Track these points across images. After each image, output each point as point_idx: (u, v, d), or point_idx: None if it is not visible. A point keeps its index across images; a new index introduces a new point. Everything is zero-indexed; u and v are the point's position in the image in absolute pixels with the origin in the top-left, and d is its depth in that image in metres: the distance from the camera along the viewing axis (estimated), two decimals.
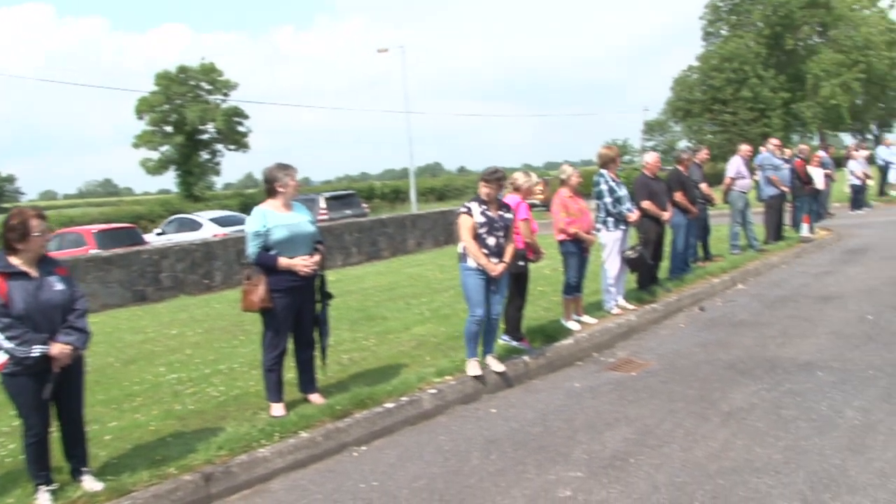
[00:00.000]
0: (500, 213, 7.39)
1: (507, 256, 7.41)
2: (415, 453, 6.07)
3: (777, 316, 9.91)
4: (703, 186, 13.22)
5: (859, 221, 20.66)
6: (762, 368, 7.59)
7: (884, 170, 26.32)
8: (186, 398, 7.33)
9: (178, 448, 5.87)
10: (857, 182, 23.25)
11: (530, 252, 8.24)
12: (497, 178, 7.31)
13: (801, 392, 6.77)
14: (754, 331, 9.20)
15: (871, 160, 26.42)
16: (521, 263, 8.05)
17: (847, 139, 61.61)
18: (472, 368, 7.42)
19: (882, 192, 26.11)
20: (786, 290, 11.67)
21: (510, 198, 8.09)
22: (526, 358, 8.07)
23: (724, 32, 63.81)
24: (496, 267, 7.25)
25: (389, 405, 6.71)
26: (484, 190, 7.30)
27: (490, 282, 7.33)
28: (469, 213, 7.27)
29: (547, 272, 12.40)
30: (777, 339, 8.71)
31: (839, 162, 28.86)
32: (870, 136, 65.18)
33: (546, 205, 11.51)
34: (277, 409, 6.57)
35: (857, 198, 23.47)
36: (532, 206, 8.68)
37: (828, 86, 57.11)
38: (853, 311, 9.85)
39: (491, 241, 7.27)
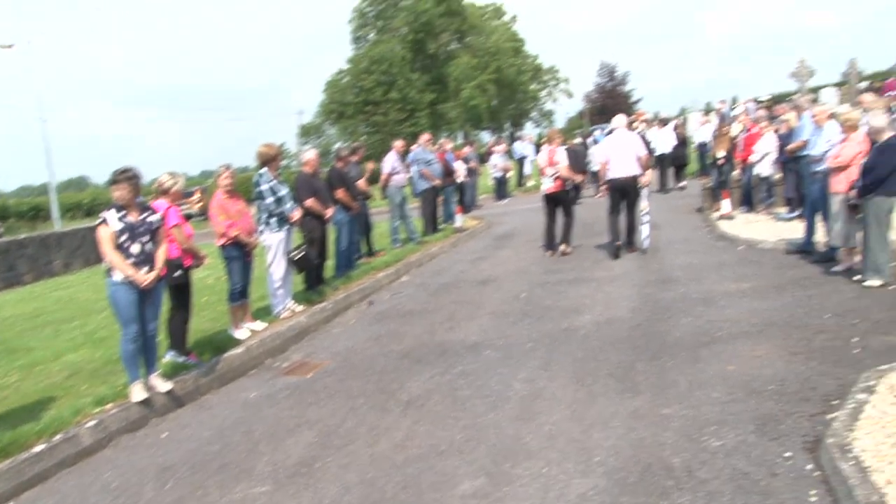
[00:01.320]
0: (143, 216, 6.78)
1: (159, 263, 6.82)
2: (76, 499, 5.33)
3: (442, 302, 10.27)
4: (361, 183, 13.38)
5: (504, 210, 22.38)
6: (434, 354, 7.77)
7: (521, 162, 28.89)
8: None
9: None
10: (499, 174, 25.25)
11: (189, 259, 7.70)
12: (127, 177, 6.66)
13: (473, 372, 7.00)
14: (423, 319, 9.44)
15: (509, 154, 28.90)
16: (179, 273, 7.50)
17: (487, 136, 66.94)
18: (136, 392, 6.74)
19: (521, 183, 28.58)
20: (447, 277, 12.18)
21: (158, 203, 7.49)
22: (195, 373, 7.52)
23: (371, 37, 66.23)
24: (145, 276, 6.63)
25: (40, 448, 5.84)
26: (116, 193, 6.63)
27: (143, 295, 6.70)
28: (105, 222, 6.59)
29: (210, 281, 11.85)
30: (445, 325, 8.99)
31: (482, 157, 31.14)
32: (505, 134, 71.34)
33: (204, 213, 10.97)
34: None
35: (501, 189, 25.47)
36: (188, 216, 8.15)
37: (467, 88, 61.77)
38: (508, 290, 10.49)
39: (135, 248, 6.64)
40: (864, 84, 33.50)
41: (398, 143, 15.68)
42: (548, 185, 12.51)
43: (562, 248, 12.73)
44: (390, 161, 15.03)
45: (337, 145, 57.05)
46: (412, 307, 10.24)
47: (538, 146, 29.12)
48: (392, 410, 6.24)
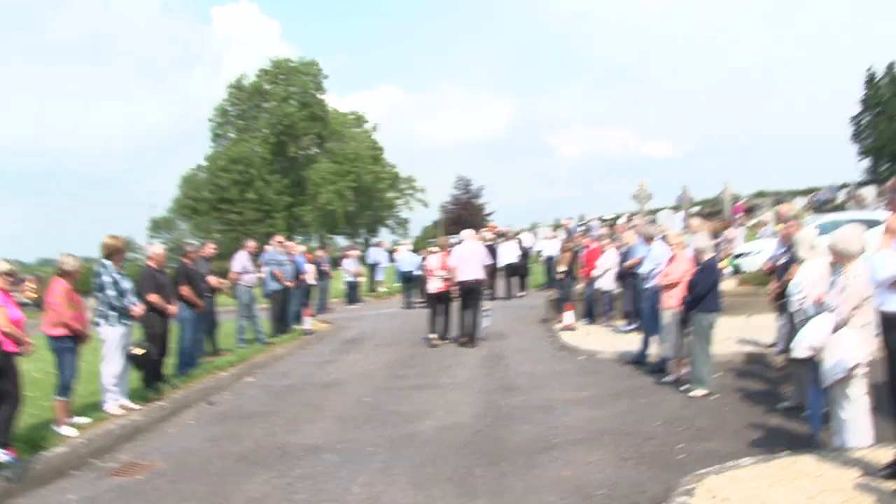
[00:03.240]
0: None
1: None
2: None
3: (285, 405, 10.06)
4: (213, 279, 13.10)
5: (355, 314, 22.31)
6: (273, 456, 7.57)
7: (373, 268, 29.06)
8: None
9: None
10: (351, 279, 25.32)
11: (12, 344, 7.19)
12: None
13: (312, 475, 6.86)
14: (264, 421, 9.20)
15: (362, 260, 29.10)
16: None
17: (342, 241, 67.03)
18: None
19: (372, 289, 28.68)
20: (292, 379, 11.97)
21: None
22: (7, 474, 6.93)
23: (231, 136, 65.87)
24: None
25: None
26: None
27: None
28: None
29: (36, 375, 11.11)
30: (286, 427, 8.80)
31: (336, 261, 31.17)
32: (360, 240, 71.81)
33: (38, 303, 10.44)
34: None
35: (352, 293, 25.49)
36: (22, 304, 7.73)
37: (325, 192, 62.05)
38: (353, 394, 10.42)
39: None
40: (695, 209, 36.18)
41: (250, 243, 15.52)
42: (437, 285, 14.27)
43: (431, 337, 14.31)
44: (240, 260, 14.82)
45: (189, 241, 55.96)
46: (254, 408, 9.98)
47: (391, 253, 29.59)
48: None
